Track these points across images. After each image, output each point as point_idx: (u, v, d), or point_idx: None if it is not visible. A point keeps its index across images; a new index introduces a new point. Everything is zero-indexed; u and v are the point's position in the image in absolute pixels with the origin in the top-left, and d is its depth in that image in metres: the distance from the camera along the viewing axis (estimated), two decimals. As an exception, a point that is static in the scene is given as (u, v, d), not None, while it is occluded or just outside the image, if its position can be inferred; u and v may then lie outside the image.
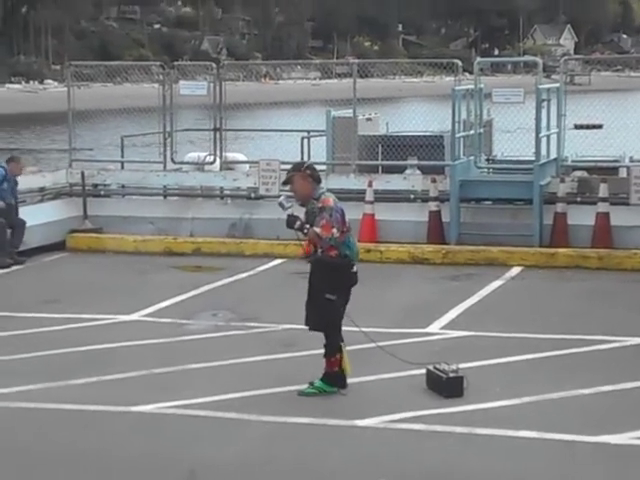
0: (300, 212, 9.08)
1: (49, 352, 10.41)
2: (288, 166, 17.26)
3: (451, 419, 8.34)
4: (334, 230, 8.79)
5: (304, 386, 9.01)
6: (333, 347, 8.98)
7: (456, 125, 15.94)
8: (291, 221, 8.90)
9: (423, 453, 7.68)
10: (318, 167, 17.59)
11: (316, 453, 7.73)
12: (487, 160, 17.56)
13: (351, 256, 8.99)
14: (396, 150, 16.94)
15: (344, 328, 9.24)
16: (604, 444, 7.81)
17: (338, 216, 8.88)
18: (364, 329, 9.81)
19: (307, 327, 9.13)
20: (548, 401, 8.80)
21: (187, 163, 18.03)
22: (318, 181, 9.06)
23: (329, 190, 16.01)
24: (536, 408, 8.64)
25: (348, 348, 9.79)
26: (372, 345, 10.30)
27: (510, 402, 8.75)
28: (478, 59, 18.07)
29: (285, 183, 9.14)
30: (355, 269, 9.02)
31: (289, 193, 9.24)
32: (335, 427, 8.25)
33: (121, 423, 8.42)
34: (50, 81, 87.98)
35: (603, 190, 15.24)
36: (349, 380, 9.21)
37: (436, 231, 15.69)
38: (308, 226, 8.81)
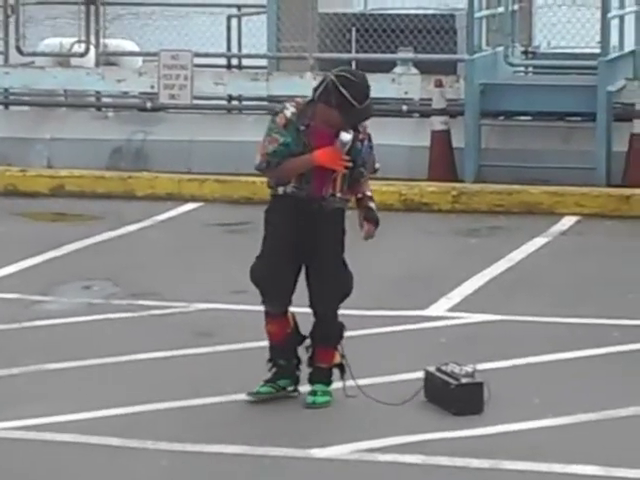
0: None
1: None
2: (204, 60, 17.42)
3: (464, 448, 8.36)
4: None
5: (311, 397, 9.07)
6: (341, 331, 9.21)
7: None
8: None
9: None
10: (257, 62, 17.90)
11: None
12: (524, 53, 17.74)
13: None
14: (380, 37, 16.96)
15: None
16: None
17: None
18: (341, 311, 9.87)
19: (315, 311, 9.22)
20: (612, 420, 8.86)
21: (43, 54, 18.03)
22: None
23: (271, 98, 16.36)
24: (594, 431, 8.70)
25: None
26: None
27: (554, 422, 8.80)
28: None
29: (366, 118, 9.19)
30: None
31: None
32: (280, 459, 8.21)
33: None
34: None
35: None
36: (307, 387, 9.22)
37: (443, 162, 15.83)
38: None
